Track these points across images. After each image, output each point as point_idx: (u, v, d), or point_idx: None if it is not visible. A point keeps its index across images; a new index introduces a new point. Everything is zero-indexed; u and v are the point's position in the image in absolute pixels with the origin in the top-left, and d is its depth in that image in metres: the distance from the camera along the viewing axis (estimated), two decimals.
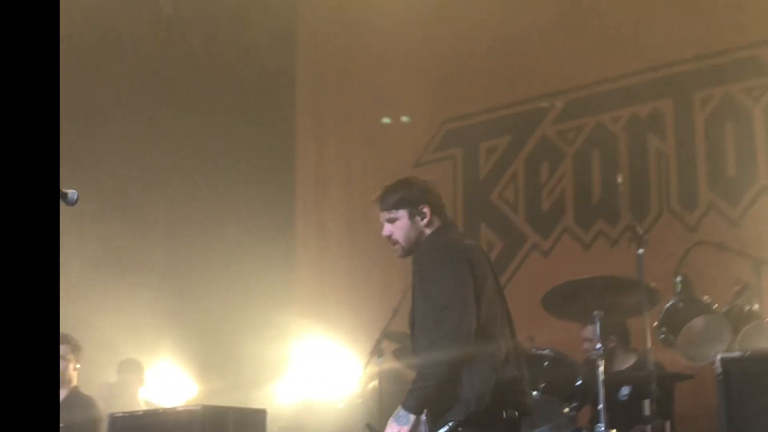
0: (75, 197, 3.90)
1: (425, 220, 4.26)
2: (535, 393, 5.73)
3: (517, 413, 4.17)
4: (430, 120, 9.19)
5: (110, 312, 7.71)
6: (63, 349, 6.46)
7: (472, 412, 4.00)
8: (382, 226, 4.34)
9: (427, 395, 3.99)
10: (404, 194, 4.28)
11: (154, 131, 9.28)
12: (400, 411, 4.02)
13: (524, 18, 8.52)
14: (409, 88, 9.21)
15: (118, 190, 8.49)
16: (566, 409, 5.73)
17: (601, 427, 5.36)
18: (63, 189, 3.84)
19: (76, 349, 6.55)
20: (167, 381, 8.48)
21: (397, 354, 6.83)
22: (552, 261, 8.26)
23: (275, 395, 8.45)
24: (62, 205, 3.86)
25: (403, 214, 4.25)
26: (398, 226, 4.25)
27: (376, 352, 6.89)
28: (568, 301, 5.73)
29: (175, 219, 9.37)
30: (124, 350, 8.07)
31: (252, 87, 9.72)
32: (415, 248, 4.26)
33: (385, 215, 4.28)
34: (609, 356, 6.02)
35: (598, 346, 5.44)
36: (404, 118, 9.10)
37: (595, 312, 5.51)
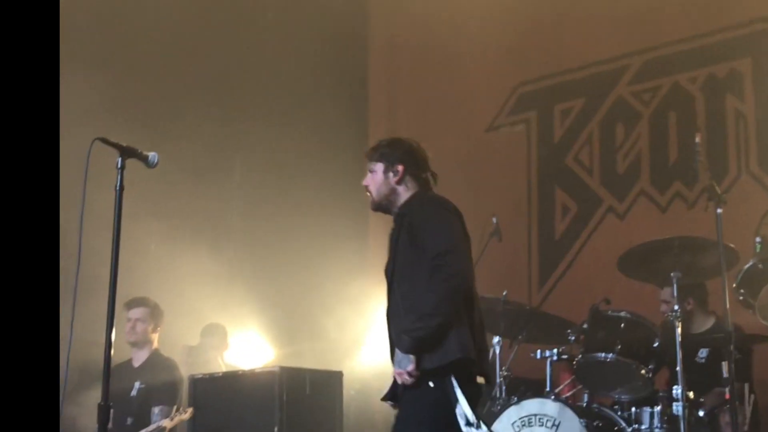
0: (155, 160, 3.98)
1: (396, 178, 4.39)
2: (611, 355, 5.75)
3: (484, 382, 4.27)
4: (503, 83, 9.13)
5: (191, 277, 7.82)
6: (142, 311, 6.60)
7: (455, 360, 4.03)
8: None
9: (425, 336, 4.01)
10: (385, 150, 4.46)
11: (232, 97, 9.38)
12: (400, 355, 4.07)
13: None
14: (482, 52, 9.16)
15: (196, 154, 8.58)
16: (643, 371, 5.71)
17: (678, 389, 5.34)
18: (144, 152, 3.92)
19: (155, 312, 6.67)
20: (247, 345, 8.59)
21: None
22: (628, 224, 8.19)
23: (351, 359, 8.53)
24: (143, 169, 3.95)
25: (379, 167, 4.43)
26: (373, 178, 4.42)
27: None
28: (645, 262, 5.70)
29: (252, 185, 9.48)
30: (207, 315, 8.19)
31: (325, 54, 9.74)
32: (386, 204, 4.42)
33: (368, 167, 4.46)
34: (686, 318, 5.98)
35: (676, 307, 5.42)
36: None
37: (673, 273, 5.48)
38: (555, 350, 6.09)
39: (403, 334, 4.06)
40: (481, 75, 9.18)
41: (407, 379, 4.05)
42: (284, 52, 9.60)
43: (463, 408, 3.96)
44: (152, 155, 3.96)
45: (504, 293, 6.44)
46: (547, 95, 8.89)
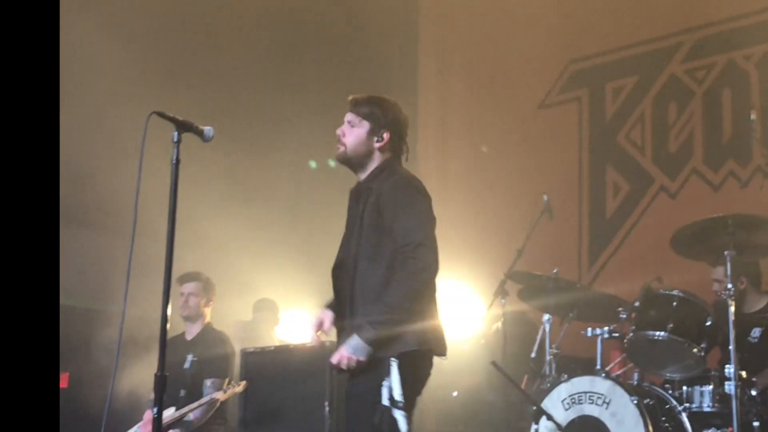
0: (211, 134, 4.00)
1: (379, 144, 4.18)
2: (663, 334, 5.72)
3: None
4: (555, 60, 9.08)
5: (244, 253, 7.88)
6: (194, 286, 6.68)
7: (410, 351, 3.92)
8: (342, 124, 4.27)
9: (390, 329, 3.86)
10: (377, 111, 4.20)
11: (282, 69, 9.41)
12: (359, 342, 3.87)
13: None
14: (535, 28, 9.11)
15: (246, 126, 8.64)
16: (695, 350, 5.68)
17: (731, 368, 5.29)
18: (200, 126, 3.95)
19: (208, 286, 6.75)
20: (299, 320, 8.64)
21: (522, 295, 6.83)
22: (680, 203, 8.14)
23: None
24: (195, 141, 3.97)
25: (365, 125, 4.19)
26: (355, 133, 4.19)
27: (500, 292, 6.92)
28: (698, 240, 5.64)
29: (302, 157, 9.51)
30: (259, 290, 8.25)
31: (375, 30, 9.74)
32: (356, 163, 4.21)
33: (348, 117, 4.22)
34: (740, 297, 5.94)
35: (729, 286, 5.36)
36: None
37: (726, 252, 5.41)
38: (606, 328, 6.06)
39: (368, 324, 3.88)
40: (534, 52, 9.14)
41: (353, 366, 3.92)
42: (336, 29, 9.62)
43: (393, 385, 3.85)
44: (208, 129, 3.97)
45: (555, 271, 6.42)
46: (599, 73, 8.84)
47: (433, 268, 3.95)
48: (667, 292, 5.86)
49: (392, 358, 3.86)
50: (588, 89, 8.92)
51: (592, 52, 8.88)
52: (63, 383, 7.59)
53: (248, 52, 9.12)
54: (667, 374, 5.93)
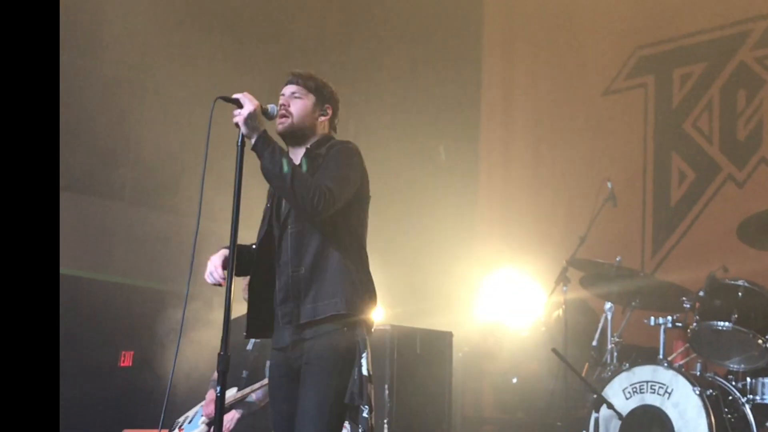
0: (275, 111, 4.05)
1: (324, 118, 4.23)
2: (727, 324, 5.66)
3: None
4: (621, 46, 8.97)
5: None
6: None
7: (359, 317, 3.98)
8: (281, 98, 4.22)
9: (286, 172, 3.88)
10: (322, 86, 4.25)
11: (343, 64, 9.46)
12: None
13: None
14: (601, 13, 9.01)
15: None
16: (760, 341, 5.60)
17: None
18: (263, 105, 3.98)
19: None
20: None
21: (584, 282, 6.80)
22: (747, 192, 8.01)
23: (461, 321, 8.56)
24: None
25: (312, 98, 4.21)
26: (301, 105, 4.19)
27: (562, 280, 6.89)
28: (765, 230, 5.57)
29: (363, 150, 9.53)
30: None
31: (439, 16, 9.73)
32: (299, 134, 4.17)
33: (292, 89, 4.21)
34: None
35: None
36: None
37: None
38: (669, 318, 6.02)
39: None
40: (600, 37, 9.05)
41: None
42: (400, 21, 9.63)
43: None
44: (272, 107, 4.03)
45: (618, 259, 6.38)
46: (666, 59, 8.72)
47: (321, 212, 3.91)
48: (733, 282, 5.80)
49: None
50: (654, 75, 8.80)
51: (660, 38, 8.76)
52: (127, 362, 7.72)
53: (313, 46, 9.18)
54: (731, 365, 5.87)
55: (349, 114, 9.51)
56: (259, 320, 4.15)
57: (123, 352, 7.69)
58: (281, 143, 4.06)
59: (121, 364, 7.67)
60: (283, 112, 4.14)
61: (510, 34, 9.85)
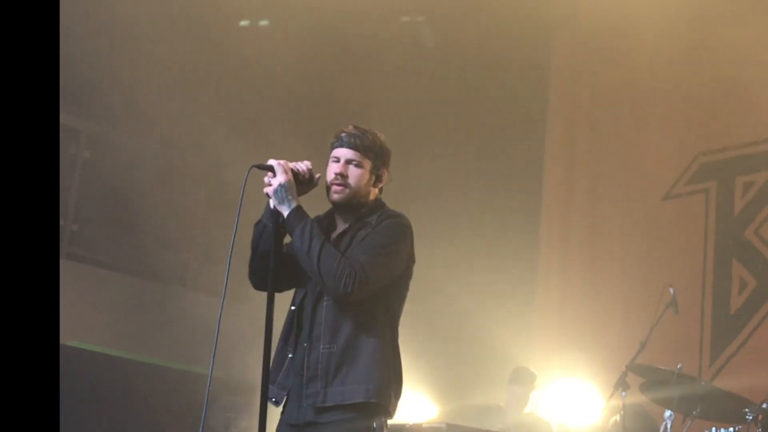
0: (318, 180, 3.90)
1: (380, 185, 3.97)
2: None
3: None
4: (683, 151, 8.96)
5: None
6: None
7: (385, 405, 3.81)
8: (336, 162, 3.94)
9: (320, 245, 3.71)
10: (378, 150, 3.92)
11: (406, 151, 9.56)
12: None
13: None
14: (664, 117, 9.03)
15: None
16: None
17: None
18: (311, 172, 3.92)
19: None
20: (411, 400, 8.63)
21: (643, 388, 6.70)
22: None
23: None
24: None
25: (368, 165, 3.89)
26: (360, 175, 3.87)
27: (621, 385, 6.80)
28: None
29: (422, 237, 9.56)
30: None
31: (503, 114, 9.83)
32: (355, 204, 3.91)
33: (349, 155, 3.87)
34: None
35: None
36: None
37: None
38: (731, 429, 5.91)
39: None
40: (662, 141, 9.05)
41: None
42: (465, 113, 9.75)
43: None
44: (317, 176, 3.92)
45: (679, 366, 6.29)
46: (729, 166, 8.69)
47: (350, 295, 3.71)
48: None
49: None
50: (716, 182, 8.77)
51: (723, 145, 8.74)
52: None
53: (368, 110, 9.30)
54: None
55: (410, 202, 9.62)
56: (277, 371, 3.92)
57: None
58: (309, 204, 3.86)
59: None
60: (340, 181, 3.87)
61: (570, 138, 9.89)
